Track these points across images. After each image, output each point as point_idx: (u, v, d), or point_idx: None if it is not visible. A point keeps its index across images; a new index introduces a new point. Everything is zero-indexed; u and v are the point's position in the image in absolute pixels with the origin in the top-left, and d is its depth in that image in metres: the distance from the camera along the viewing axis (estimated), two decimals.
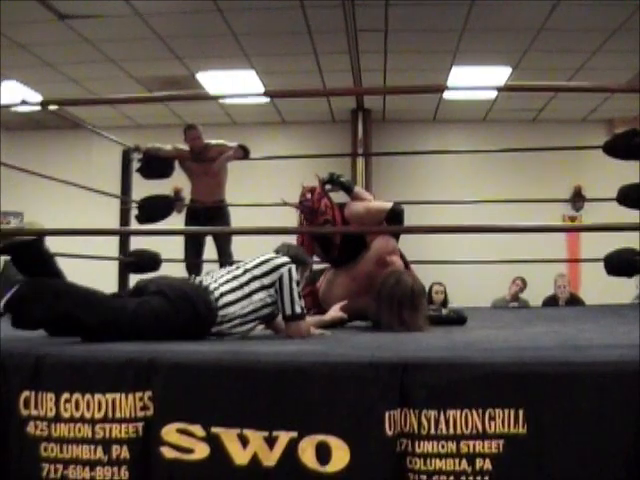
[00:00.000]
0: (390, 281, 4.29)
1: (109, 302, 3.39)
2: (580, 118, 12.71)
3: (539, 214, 9.20)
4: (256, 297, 3.61)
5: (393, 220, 4.78)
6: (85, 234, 4.16)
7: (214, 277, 3.64)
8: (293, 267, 3.69)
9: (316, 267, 5.06)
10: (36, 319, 3.17)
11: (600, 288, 8.72)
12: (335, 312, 4.14)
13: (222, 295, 3.52)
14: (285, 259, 3.73)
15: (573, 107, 12.01)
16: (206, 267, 7.53)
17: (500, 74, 10.38)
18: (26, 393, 2.68)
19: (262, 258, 3.74)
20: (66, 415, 2.65)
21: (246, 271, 3.66)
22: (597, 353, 2.68)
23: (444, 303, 9.21)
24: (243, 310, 3.57)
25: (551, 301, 9.71)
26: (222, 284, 3.57)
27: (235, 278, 3.62)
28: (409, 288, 4.25)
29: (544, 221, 4.20)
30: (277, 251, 3.93)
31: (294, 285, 3.66)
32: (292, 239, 4.95)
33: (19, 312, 3.14)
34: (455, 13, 8.42)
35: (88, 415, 2.64)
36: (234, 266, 3.80)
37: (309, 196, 4.75)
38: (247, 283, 3.60)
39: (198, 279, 3.66)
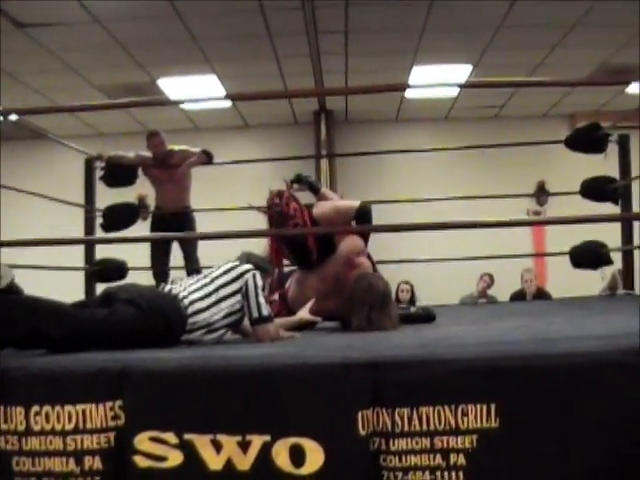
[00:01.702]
0: (362, 285, 4.29)
1: (77, 313, 3.32)
2: (541, 113, 12.80)
3: (504, 210, 9.25)
4: (224, 304, 3.60)
5: (361, 219, 4.79)
6: (50, 244, 4.13)
7: (183, 285, 3.62)
8: (257, 273, 3.70)
9: (285, 270, 5.06)
10: (3, 338, 3.07)
11: (566, 281, 8.77)
12: (304, 313, 4.13)
13: (192, 303, 3.50)
14: (249, 266, 3.73)
15: (534, 103, 12.09)
16: (173, 274, 7.51)
17: (461, 72, 10.43)
18: None
19: (227, 266, 3.74)
20: (37, 428, 2.63)
21: (213, 279, 3.65)
22: (567, 345, 2.69)
23: (412, 301, 9.23)
24: (212, 317, 3.56)
25: (518, 296, 9.75)
26: (191, 292, 3.55)
27: (204, 286, 3.61)
28: (380, 293, 4.28)
29: (509, 216, 4.24)
30: (238, 260, 3.94)
31: (259, 290, 3.67)
32: (259, 244, 4.96)
33: None
34: (415, 12, 8.44)
35: (59, 427, 2.62)
36: (202, 274, 3.79)
37: (277, 201, 4.73)
38: (215, 291, 3.60)
39: (167, 287, 3.65)
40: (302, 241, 4.70)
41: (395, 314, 4.35)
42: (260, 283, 3.69)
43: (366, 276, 4.44)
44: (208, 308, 3.54)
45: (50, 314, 3.17)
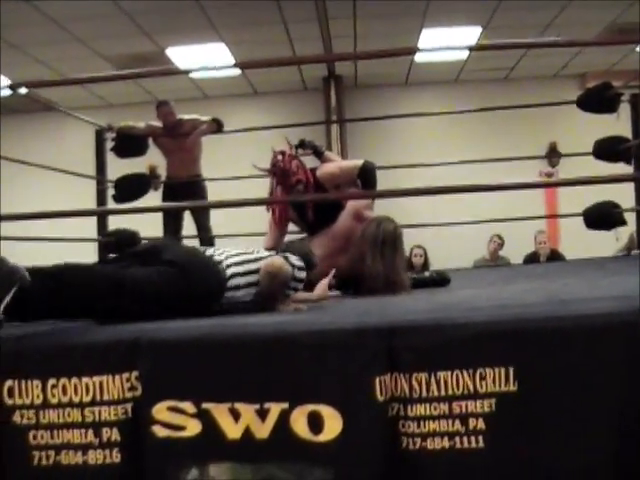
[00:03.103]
0: (373, 224, 4.43)
1: (122, 278, 3.16)
2: (552, 74, 12.72)
3: (515, 172, 9.22)
4: (254, 289, 3.55)
5: (365, 177, 4.85)
6: (62, 216, 4.11)
7: (225, 254, 3.53)
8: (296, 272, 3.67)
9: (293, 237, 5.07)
10: (47, 308, 2.94)
11: (580, 243, 8.76)
12: (321, 291, 4.05)
13: (232, 276, 3.44)
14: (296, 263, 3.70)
15: (544, 64, 12.00)
16: (186, 243, 7.51)
17: (470, 34, 10.36)
18: (9, 382, 2.65)
19: (272, 253, 3.73)
20: (54, 401, 2.63)
21: (257, 259, 3.59)
22: (583, 306, 2.68)
23: (425, 266, 9.21)
24: (245, 297, 3.51)
25: (532, 258, 9.74)
26: (233, 264, 3.47)
27: (245, 261, 3.54)
28: (392, 228, 4.42)
29: (521, 179, 4.21)
30: (285, 249, 3.95)
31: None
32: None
33: (27, 305, 2.86)
34: None
35: (76, 399, 2.62)
36: (250, 249, 3.71)
37: (280, 157, 4.75)
38: (254, 272, 3.52)
39: (209, 252, 3.55)
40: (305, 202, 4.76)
41: (405, 261, 4.45)
42: (297, 275, 3.66)
43: (377, 218, 4.55)
44: (245, 287, 3.49)
45: (91, 283, 3.05)
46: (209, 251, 3.56)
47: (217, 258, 3.48)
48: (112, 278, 3.14)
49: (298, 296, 3.79)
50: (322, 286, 3.90)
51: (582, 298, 3.01)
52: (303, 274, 3.75)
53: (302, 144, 5.12)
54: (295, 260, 3.72)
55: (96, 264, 3.39)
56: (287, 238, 5.06)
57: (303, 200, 4.85)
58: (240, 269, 3.49)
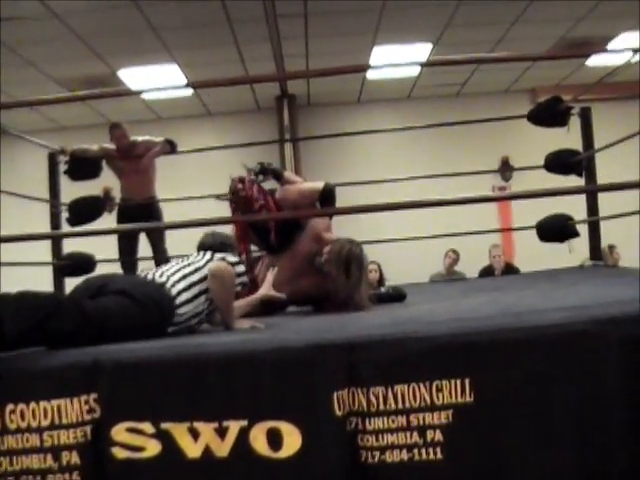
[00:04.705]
0: (337, 245, 4.44)
1: (79, 306, 3.13)
2: (503, 89, 12.85)
3: (469, 187, 9.29)
4: (203, 297, 3.58)
5: (325, 200, 4.83)
6: (16, 240, 4.09)
7: (165, 274, 3.54)
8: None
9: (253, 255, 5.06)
10: (19, 334, 2.83)
11: (534, 255, 8.84)
12: (266, 290, 4.04)
13: (179, 293, 3.46)
14: (230, 259, 3.72)
15: (495, 79, 12.12)
16: (141, 265, 7.48)
17: (421, 51, 10.42)
18: None
19: (207, 257, 3.73)
20: (12, 427, 2.62)
21: (197, 269, 3.61)
22: (537, 318, 2.71)
23: (380, 282, 9.22)
24: (197, 309, 3.54)
25: (487, 272, 9.81)
26: (176, 282, 3.50)
27: (186, 276, 3.55)
28: (356, 249, 4.45)
29: (474, 194, 4.25)
30: (202, 241, 3.95)
31: None
32: (224, 231, 4.96)
33: None
34: None
35: (34, 424, 2.61)
36: (182, 261, 3.72)
37: (240, 186, 4.74)
38: (197, 283, 3.56)
39: (149, 276, 3.55)
40: (266, 224, 4.74)
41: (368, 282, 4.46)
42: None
43: (340, 239, 4.55)
44: (193, 299, 3.52)
45: (54, 308, 2.99)
46: (149, 276, 3.56)
47: (159, 280, 3.49)
48: (75, 306, 3.12)
49: (243, 301, 3.81)
50: (266, 284, 3.94)
51: (536, 309, 3.05)
52: (242, 267, 3.78)
53: (263, 170, 5.05)
54: (232, 258, 3.76)
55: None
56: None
57: (263, 219, 4.84)
58: (184, 284, 3.51)
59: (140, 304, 3.28)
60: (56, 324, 2.94)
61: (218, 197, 4.97)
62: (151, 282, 3.49)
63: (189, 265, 3.65)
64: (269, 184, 5.08)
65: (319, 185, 4.93)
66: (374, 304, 4.46)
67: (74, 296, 3.40)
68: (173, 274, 3.55)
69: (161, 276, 3.53)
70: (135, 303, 3.27)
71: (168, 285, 3.46)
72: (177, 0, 8.17)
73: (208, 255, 3.75)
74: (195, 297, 3.53)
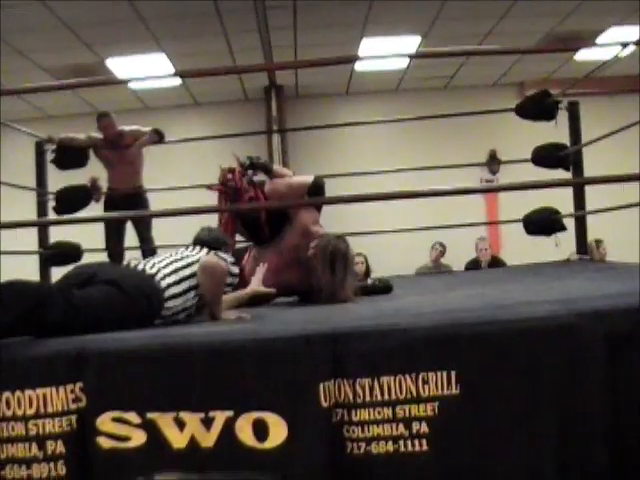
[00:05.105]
0: (324, 240, 4.43)
1: (67, 295, 3.12)
2: (491, 83, 12.86)
3: (456, 179, 9.29)
4: (192, 293, 3.57)
5: (315, 193, 4.82)
6: (2, 228, 4.10)
7: (156, 266, 3.53)
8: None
9: (239, 246, 5.06)
10: (7, 324, 2.83)
11: (520, 249, 8.86)
12: (256, 285, 4.04)
13: (168, 287, 3.44)
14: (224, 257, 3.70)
15: (484, 72, 12.13)
16: (128, 254, 7.47)
17: (410, 43, 10.42)
18: None
19: (202, 253, 3.72)
20: None
21: (189, 264, 3.59)
22: (523, 310, 2.72)
23: (367, 273, 9.23)
24: (186, 303, 3.53)
25: (473, 265, 9.81)
26: (167, 275, 3.48)
27: (178, 270, 3.54)
28: (343, 244, 4.45)
29: (461, 186, 4.28)
30: (198, 236, 3.92)
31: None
32: (211, 222, 4.95)
33: None
34: None
35: (20, 412, 2.61)
36: (177, 255, 3.69)
37: (230, 176, 4.74)
38: (188, 277, 3.55)
39: (140, 266, 3.53)
40: (256, 216, 4.72)
41: (354, 278, 4.45)
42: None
43: (327, 234, 4.55)
44: (182, 294, 3.50)
45: (43, 297, 3.01)
46: (140, 266, 3.55)
47: (150, 272, 3.47)
48: (63, 295, 3.11)
49: (232, 295, 3.80)
50: (256, 280, 3.92)
51: (521, 302, 3.05)
52: (236, 269, 3.78)
53: (252, 165, 5.01)
54: (226, 256, 3.74)
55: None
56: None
57: (250, 209, 4.83)
58: (174, 278, 3.49)
59: (128, 295, 3.26)
60: (44, 313, 2.94)
61: (209, 187, 4.95)
62: (141, 273, 3.48)
63: (182, 259, 3.63)
64: (258, 177, 5.07)
65: (309, 179, 4.91)
66: (360, 296, 4.46)
67: (63, 285, 3.36)
68: (165, 267, 3.53)
69: (152, 267, 3.51)
70: (124, 294, 3.25)
71: (158, 277, 3.45)
72: None
73: (203, 251, 3.74)
74: (185, 292, 3.51)
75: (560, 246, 6.70)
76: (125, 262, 3.70)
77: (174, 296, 3.47)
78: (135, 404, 2.56)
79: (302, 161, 11.81)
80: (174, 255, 3.69)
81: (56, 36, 9.21)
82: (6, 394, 2.61)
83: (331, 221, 5.29)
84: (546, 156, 6.56)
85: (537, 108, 6.51)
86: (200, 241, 3.88)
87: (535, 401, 2.52)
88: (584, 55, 10.79)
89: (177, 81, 11.34)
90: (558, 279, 4.83)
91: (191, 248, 3.81)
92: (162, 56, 10.38)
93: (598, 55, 9.75)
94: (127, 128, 7.80)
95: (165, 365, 2.60)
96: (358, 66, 11.38)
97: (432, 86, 12.73)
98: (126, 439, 2.54)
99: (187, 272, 3.55)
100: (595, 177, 4.04)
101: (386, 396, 2.51)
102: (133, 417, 2.55)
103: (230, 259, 3.74)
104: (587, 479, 2.51)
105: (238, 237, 5.03)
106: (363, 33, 10.05)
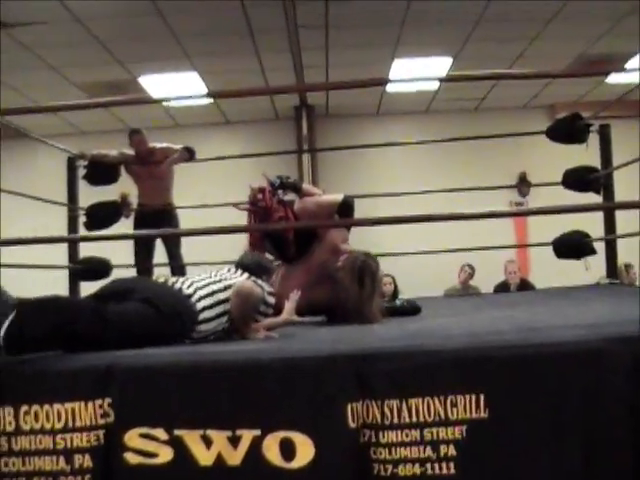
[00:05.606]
0: (352, 257, 4.43)
1: (100, 311, 3.16)
2: (522, 105, 12.85)
3: (486, 202, 9.27)
4: (225, 317, 3.56)
5: (344, 212, 4.81)
6: (34, 243, 4.14)
7: (194, 286, 3.52)
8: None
9: None
10: (39, 338, 2.89)
11: (549, 272, 8.81)
12: (289, 314, 4.02)
13: (202, 310, 3.44)
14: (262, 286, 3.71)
15: (514, 94, 12.12)
16: (156, 271, 7.50)
17: (441, 64, 10.44)
18: None
19: (241, 278, 3.71)
20: (26, 428, 2.63)
21: (226, 287, 3.58)
22: (552, 334, 2.71)
23: (395, 294, 9.21)
24: (217, 328, 3.52)
25: (502, 287, 9.77)
26: (202, 297, 3.47)
27: (214, 293, 3.53)
28: (371, 263, 4.44)
29: (491, 209, 4.24)
30: (241, 259, 3.92)
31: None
32: (239, 240, 4.96)
33: (19, 335, 2.85)
34: (395, 6, 8.45)
35: (48, 426, 2.62)
36: (216, 277, 3.68)
37: (261, 196, 4.74)
38: (225, 301, 3.54)
39: (177, 285, 3.52)
40: (285, 235, 4.72)
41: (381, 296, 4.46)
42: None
43: (356, 252, 4.54)
44: (215, 318, 3.50)
45: (74, 312, 3.07)
46: (177, 284, 3.54)
47: (186, 292, 3.47)
48: (96, 310, 3.15)
49: (265, 322, 3.78)
50: (289, 309, 3.90)
51: (550, 326, 3.04)
52: (272, 299, 3.77)
53: (282, 185, 5.01)
54: (265, 284, 3.74)
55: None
56: None
57: (280, 228, 4.83)
58: (209, 301, 3.48)
59: (162, 315, 3.28)
60: (75, 328, 2.97)
61: (236, 205, 4.96)
62: (178, 293, 3.47)
63: (220, 281, 3.62)
64: (288, 196, 5.08)
65: (338, 197, 4.91)
66: (387, 317, 4.44)
67: (97, 299, 3.38)
68: (202, 288, 3.52)
69: (189, 287, 3.51)
70: (158, 313, 3.28)
71: (194, 299, 3.44)
72: (199, 8, 8.21)
73: (244, 276, 3.73)
74: (217, 316, 3.50)
75: (590, 270, 6.67)
76: (163, 279, 3.68)
77: (207, 320, 3.46)
78: (163, 420, 2.57)
79: (332, 181, 11.82)
80: (213, 277, 3.68)
81: (89, 52, 9.31)
82: (35, 407, 2.62)
83: (360, 241, 5.29)
84: (577, 179, 6.53)
85: (568, 131, 6.48)
86: (242, 265, 3.88)
87: (564, 425, 2.50)
88: (615, 78, 10.76)
89: (209, 100, 11.41)
90: (587, 303, 4.80)
91: (233, 270, 3.81)
92: (194, 74, 10.45)
93: (629, 78, 9.73)
94: (158, 145, 7.85)
95: (193, 382, 2.60)
96: (389, 87, 11.41)
97: (463, 108, 12.74)
98: (153, 455, 2.55)
99: (222, 296, 3.54)
100: (626, 202, 3.99)
101: (414, 418, 2.50)
102: (160, 433, 2.55)
103: (268, 289, 3.74)
104: None
105: (268, 256, 5.03)
106: (394, 54, 10.08)
